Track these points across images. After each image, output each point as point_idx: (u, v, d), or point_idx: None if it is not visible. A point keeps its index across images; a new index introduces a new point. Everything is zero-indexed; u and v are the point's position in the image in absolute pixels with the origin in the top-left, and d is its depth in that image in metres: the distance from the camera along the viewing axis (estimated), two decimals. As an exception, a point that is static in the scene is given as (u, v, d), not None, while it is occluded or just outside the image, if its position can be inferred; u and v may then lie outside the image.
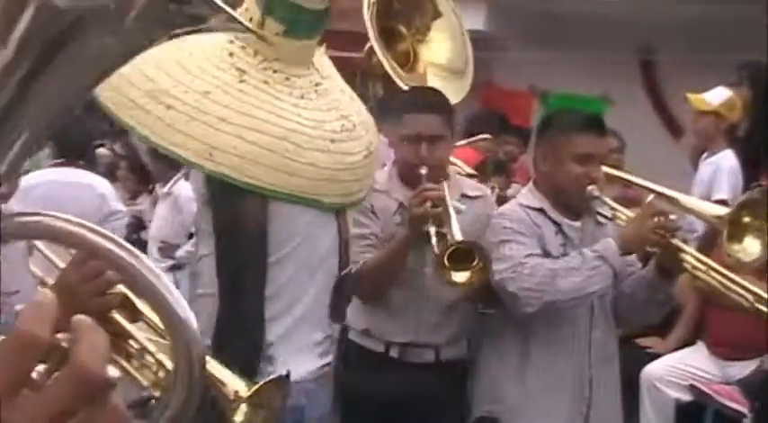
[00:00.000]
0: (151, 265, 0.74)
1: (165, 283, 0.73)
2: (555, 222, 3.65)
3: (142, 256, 0.73)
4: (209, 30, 0.70)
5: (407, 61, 4.70)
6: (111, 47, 0.69)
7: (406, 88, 4.41)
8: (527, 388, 3.63)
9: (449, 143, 3.92)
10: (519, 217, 3.63)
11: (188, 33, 0.69)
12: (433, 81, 4.56)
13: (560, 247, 3.62)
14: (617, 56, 8.11)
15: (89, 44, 0.68)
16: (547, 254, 3.60)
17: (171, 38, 0.69)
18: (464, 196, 3.90)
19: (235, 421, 1.93)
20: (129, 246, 0.74)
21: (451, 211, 3.56)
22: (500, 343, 3.74)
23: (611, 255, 3.48)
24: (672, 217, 3.48)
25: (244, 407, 1.96)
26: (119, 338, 1.85)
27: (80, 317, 0.75)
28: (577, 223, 3.68)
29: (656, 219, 3.45)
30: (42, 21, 0.67)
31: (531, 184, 3.83)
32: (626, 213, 3.61)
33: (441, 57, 4.70)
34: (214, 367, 1.90)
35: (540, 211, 3.65)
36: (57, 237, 0.76)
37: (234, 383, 1.97)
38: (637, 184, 4.01)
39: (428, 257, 3.76)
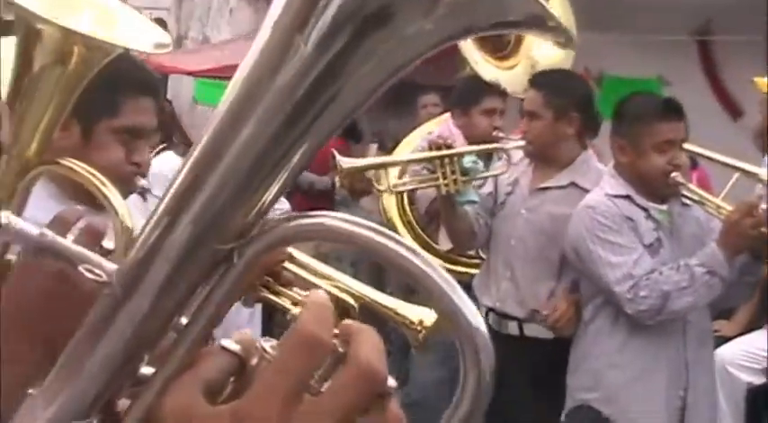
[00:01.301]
0: (440, 269, 0.71)
1: (455, 286, 0.70)
2: (643, 208, 3.63)
3: (429, 258, 0.70)
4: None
5: (506, 45, 4.66)
6: (427, 32, 0.65)
7: (488, 79, 4.47)
8: (624, 374, 3.64)
9: (543, 121, 4.07)
10: (611, 211, 3.63)
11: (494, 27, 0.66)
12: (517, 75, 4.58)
13: (653, 232, 3.61)
14: (673, 37, 8.01)
15: (400, 30, 0.65)
16: (641, 243, 3.60)
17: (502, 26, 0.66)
18: (573, 184, 4.06)
19: (417, 347, 1.96)
20: (416, 248, 0.71)
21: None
22: (594, 330, 3.74)
23: (719, 265, 3.48)
24: (763, 206, 3.46)
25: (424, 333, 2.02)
26: (285, 287, 1.95)
27: (351, 321, 0.72)
28: (664, 207, 3.67)
29: (753, 216, 3.45)
30: (347, 11, 0.65)
31: (611, 169, 3.82)
32: (714, 201, 3.58)
33: (546, 55, 4.65)
34: (390, 300, 1.96)
35: (627, 197, 3.64)
36: (338, 239, 0.73)
37: (419, 314, 2.05)
38: (717, 161, 3.96)
39: (517, 231, 4.04)
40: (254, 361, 0.74)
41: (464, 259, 5.01)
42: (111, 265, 0.80)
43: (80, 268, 0.87)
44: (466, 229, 4.27)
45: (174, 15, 13.04)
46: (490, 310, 4.15)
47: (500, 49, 4.83)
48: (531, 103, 4.12)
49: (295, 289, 1.99)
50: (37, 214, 1.62)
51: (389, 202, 5.40)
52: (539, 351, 3.97)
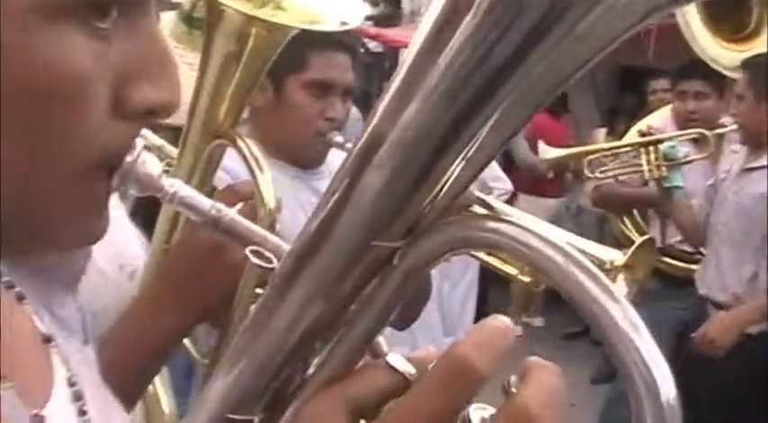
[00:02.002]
0: (632, 314, 0.57)
1: (637, 323, 0.57)
2: None
3: (617, 293, 0.58)
4: None
5: (745, 27, 4.58)
6: (605, 24, 0.55)
7: (706, 59, 4.49)
8: None
9: (747, 102, 4.11)
10: None
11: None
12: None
13: None
14: None
15: (577, 22, 0.54)
16: None
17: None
18: (750, 169, 4.07)
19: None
20: (609, 285, 0.58)
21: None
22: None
23: None
24: None
25: (621, 274, 1.99)
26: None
27: (536, 359, 0.61)
28: None
29: None
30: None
31: None
32: None
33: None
34: (579, 240, 1.94)
35: None
36: (514, 253, 0.61)
37: (610, 255, 2.02)
38: None
39: (725, 215, 4.11)
40: None
41: (686, 255, 4.81)
42: (287, 248, 0.75)
43: (246, 251, 0.82)
44: (690, 223, 4.29)
45: (408, -9, 13.14)
46: (707, 299, 4.14)
47: (739, 31, 4.72)
48: (739, 85, 4.17)
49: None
50: (235, 165, 1.63)
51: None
52: (750, 341, 3.87)
